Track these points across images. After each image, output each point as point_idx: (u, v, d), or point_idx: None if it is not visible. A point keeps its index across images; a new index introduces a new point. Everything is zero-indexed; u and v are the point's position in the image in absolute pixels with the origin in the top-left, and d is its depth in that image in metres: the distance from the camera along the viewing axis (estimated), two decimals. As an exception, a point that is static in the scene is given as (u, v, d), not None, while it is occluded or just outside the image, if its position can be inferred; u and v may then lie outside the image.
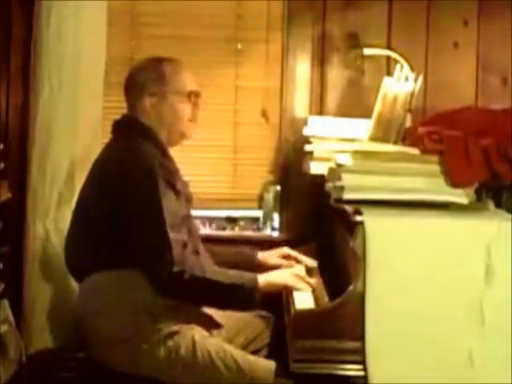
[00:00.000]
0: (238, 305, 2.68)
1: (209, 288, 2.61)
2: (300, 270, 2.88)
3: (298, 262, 3.00)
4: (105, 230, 2.65)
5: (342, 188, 2.63)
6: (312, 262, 2.99)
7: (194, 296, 2.64)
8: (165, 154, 2.75)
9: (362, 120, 3.36)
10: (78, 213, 2.81)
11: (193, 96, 2.83)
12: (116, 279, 2.63)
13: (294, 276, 2.75)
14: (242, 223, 3.65)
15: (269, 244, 3.21)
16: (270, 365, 2.63)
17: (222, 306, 2.73)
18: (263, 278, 2.68)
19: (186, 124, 2.83)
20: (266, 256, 3.03)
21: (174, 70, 2.82)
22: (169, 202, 2.62)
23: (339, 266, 2.79)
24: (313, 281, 2.77)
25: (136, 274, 2.61)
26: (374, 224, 2.50)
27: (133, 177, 2.63)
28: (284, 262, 3.00)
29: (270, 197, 3.62)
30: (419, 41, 3.58)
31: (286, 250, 3.06)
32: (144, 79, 2.80)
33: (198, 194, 2.97)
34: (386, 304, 2.46)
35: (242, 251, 3.09)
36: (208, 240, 3.02)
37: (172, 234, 2.57)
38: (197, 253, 2.72)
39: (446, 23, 3.58)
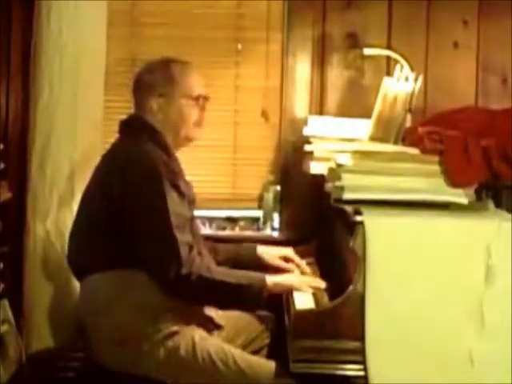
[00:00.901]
0: (245, 305, 2.68)
1: (216, 288, 2.60)
2: (310, 279, 2.83)
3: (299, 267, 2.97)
4: (107, 230, 2.64)
5: (342, 188, 2.63)
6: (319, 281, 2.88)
7: (201, 297, 2.64)
8: (169, 154, 2.74)
9: (362, 120, 3.36)
10: (81, 211, 2.80)
11: (201, 99, 2.82)
12: (117, 279, 2.63)
13: (303, 282, 2.74)
14: (242, 223, 3.65)
15: (269, 244, 3.21)
16: (270, 365, 2.63)
17: (229, 306, 2.73)
18: (271, 280, 2.67)
19: (192, 127, 2.81)
20: (265, 252, 3.01)
21: (183, 72, 2.80)
22: (173, 202, 2.61)
23: (339, 266, 2.79)
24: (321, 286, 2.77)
25: (137, 275, 2.61)
26: (374, 224, 2.49)
27: (137, 177, 2.63)
28: (282, 264, 2.97)
29: (269, 197, 3.62)
30: (419, 41, 3.58)
31: (290, 254, 3.02)
32: (152, 80, 2.79)
33: (198, 194, 2.97)
34: (386, 304, 2.46)
35: (242, 246, 3.07)
36: (208, 240, 3.02)
37: (178, 235, 2.57)
38: (200, 254, 2.71)
39: (445, 23, 3.58)
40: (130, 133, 2.79)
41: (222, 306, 2.72)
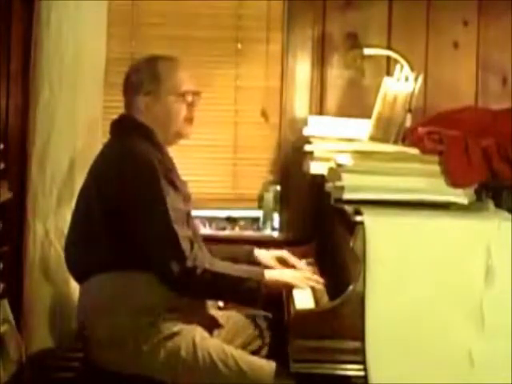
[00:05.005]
0: (245, 298, 2.68)
1: (219, 282, 2.61)
2: (308, 274, 2.83)
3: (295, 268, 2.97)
4: (105, 231, 2.64)
5: (342, 188, 2.63)
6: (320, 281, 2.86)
7: (205, 290, 2.64)
8: (162, 152, 2.74)
9: (362, 120, 3.36)
10: (77, 213, 2.80)
11: (189, 95, 2.81)
12: (116, 281, 2.63)
13: (301, 279, 2.74)
14: (242, 223, 3.66)
15: (269, 244, 3.21)
16: (270, 365, 2.62)
17: (231, 299, 2.76)
18: (270, 274, 2.69)
19: (182, 124, 2.80)
20: (261, 254, 3.01)
21: (169, 69, 2.80)
22: (170, 198, 2.61)
23: (339, 266, 2.79)
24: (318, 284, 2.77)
25: (137, 276, 2.61)
26: (374, 224, 2.50)
27: (133, 175, 2.62)
28: (277, 265, 2.96)
29: (269, 197, 3.62)
30: (419, 41, 3.58)
31: (285, 255, 3.02)
32: (139, 79, 2.79)
33: (198, 194, 2.98)
34: (385, 304, 2.46)
35: (239, 247, 3.07)
36: (208, 240, 3.02)
37: (179, 230, 2.58)
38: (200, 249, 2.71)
39: (445, 23, 3.58)
40: (121, 132, 2.79)
41: (224, 299, 2.74)
